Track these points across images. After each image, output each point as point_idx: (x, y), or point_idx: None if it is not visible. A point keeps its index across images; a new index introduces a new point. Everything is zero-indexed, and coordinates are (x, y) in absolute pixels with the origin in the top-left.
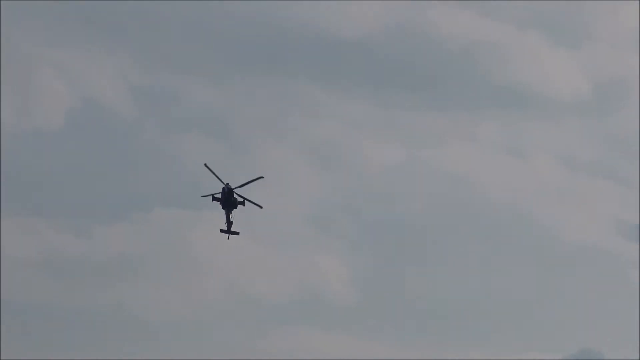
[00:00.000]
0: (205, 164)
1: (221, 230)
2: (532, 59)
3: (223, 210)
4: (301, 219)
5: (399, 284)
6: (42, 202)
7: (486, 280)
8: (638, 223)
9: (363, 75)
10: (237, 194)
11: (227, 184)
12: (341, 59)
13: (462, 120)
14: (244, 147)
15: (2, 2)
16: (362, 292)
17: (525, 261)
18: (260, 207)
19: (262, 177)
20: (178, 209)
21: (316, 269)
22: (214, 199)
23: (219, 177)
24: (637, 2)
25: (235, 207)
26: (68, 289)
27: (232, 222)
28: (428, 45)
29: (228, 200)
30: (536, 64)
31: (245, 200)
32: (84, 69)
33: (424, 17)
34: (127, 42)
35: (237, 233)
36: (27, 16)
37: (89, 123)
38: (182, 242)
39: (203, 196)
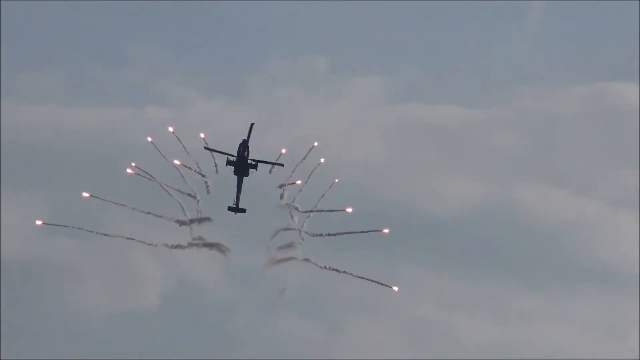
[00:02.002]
0: (205, 147)
1: (229, 208)
2: (624, 238)
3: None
4: None
5: None
6: None
7: None
8: None
9: (456, 254)
10: (251, 160)
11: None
12: (434, 237)
13: (554, 299)
14: (338, 326)
15: None
16: None
17: None
18: (282, 164)
19: (282, 165)
20: None
21: None
22: (229, 162)
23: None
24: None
25: (247, 175)
26: None
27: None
28: (520, 223)
29: (242, 162)
30: (629, 243)
31: (259, 163)
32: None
33: (514, 196)
34: None
35: (244, 210)
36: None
37: (184, 304)
38: None
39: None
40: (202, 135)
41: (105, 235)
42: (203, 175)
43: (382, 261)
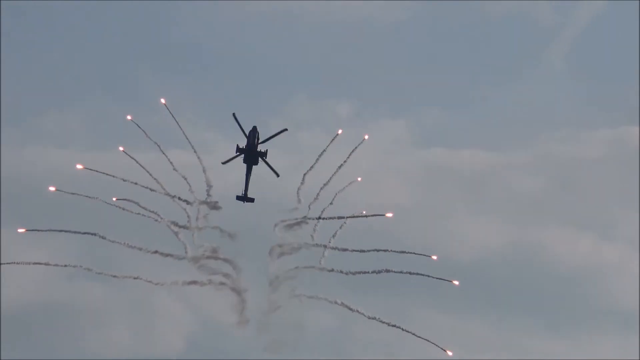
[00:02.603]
0: (233, 114)
1: (237, 197)
2: None
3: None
4: None
5: None
6: None
7: None
8: None
9: (478, 296)
10: (262, 154)
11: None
12: (456, 279)
13: (576, 343)
14: None
15: None
16: None
17: None
18: (286, 129)
19: (286, 130)
20: None
21: None
22: (238, 149)
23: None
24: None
25: (256, 164)
26: None
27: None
28: (543, 267)
29: (252, 149)
30: None
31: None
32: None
33: (537, 239)
34: None
35: (252, 200)
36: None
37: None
38: None
39: (224, 162)
40: (162, 100)
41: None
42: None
43: (400, 304)
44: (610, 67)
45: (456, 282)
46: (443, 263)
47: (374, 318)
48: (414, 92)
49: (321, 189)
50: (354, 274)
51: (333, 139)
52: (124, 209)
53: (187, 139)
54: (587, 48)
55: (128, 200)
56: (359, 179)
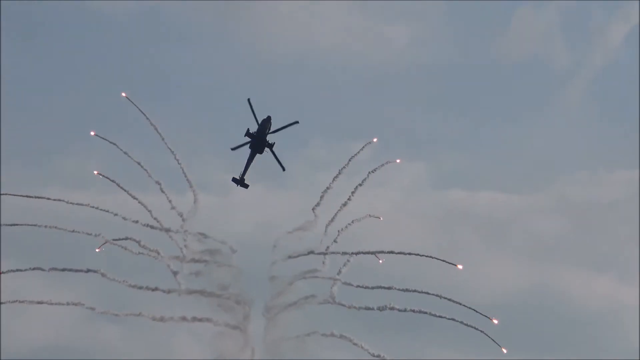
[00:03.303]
0: (248, 99)
1: (233, 179)
2: None
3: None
4: None
5: None
6: None
7: None
8: None
9: (498, 339)
10: (270, 145)
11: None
12: (476, 322)
13: None
14: None
15: None
16: None
17: None
18: (297, 122)
19: (297, 122)
20: None
21: None
22: (248, 133)
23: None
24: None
25: (261, 152)
26: None
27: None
28: (562, 309)
29: (262, 137)
30: None
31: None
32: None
33: (556, 282)
34: None
35: (246, 186)
36: None
37: None
38: None
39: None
40: (123, 94)
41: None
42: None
43: (420, 348)
44: (626, 108)
45: (495, 321)
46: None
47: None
48: (432, 134)
49: (331, 223)
50: (381, 310)
51: (365, 146)
52: (125, 249)
53: (184, 174)
54: (603, 90)
55: (129, 239)
56: (381, 217)
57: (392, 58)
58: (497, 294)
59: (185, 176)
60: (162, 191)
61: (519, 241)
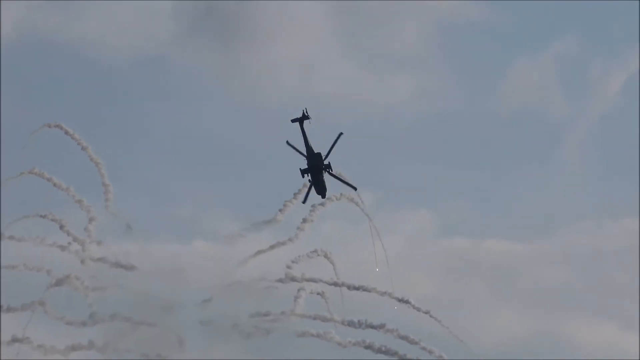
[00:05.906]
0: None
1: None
2: None
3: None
4: None
5: None
6: None
7: None
8: None
9: None
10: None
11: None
12: None
13: None
14: None
15: None
16: None
17: None
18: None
19: (342, 134)
20: None
21: None
22: (303, 172)
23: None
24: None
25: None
26: None
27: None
28: (567, 357)
29: (317, 165)
30: None
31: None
32: None
33: (561, 330)
34: None
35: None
36: None
37: None
38: None
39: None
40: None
41: None
42: None
43: None
44: (628, 155)
45: None
46: (467, 353)
47: None
48: (435, 183)
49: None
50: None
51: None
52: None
53: None
54: (603, 137)
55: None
56: (377, 269)
57: (396, 109)
58: (501, 341)
59: None
60: None
61: (524, 289)
